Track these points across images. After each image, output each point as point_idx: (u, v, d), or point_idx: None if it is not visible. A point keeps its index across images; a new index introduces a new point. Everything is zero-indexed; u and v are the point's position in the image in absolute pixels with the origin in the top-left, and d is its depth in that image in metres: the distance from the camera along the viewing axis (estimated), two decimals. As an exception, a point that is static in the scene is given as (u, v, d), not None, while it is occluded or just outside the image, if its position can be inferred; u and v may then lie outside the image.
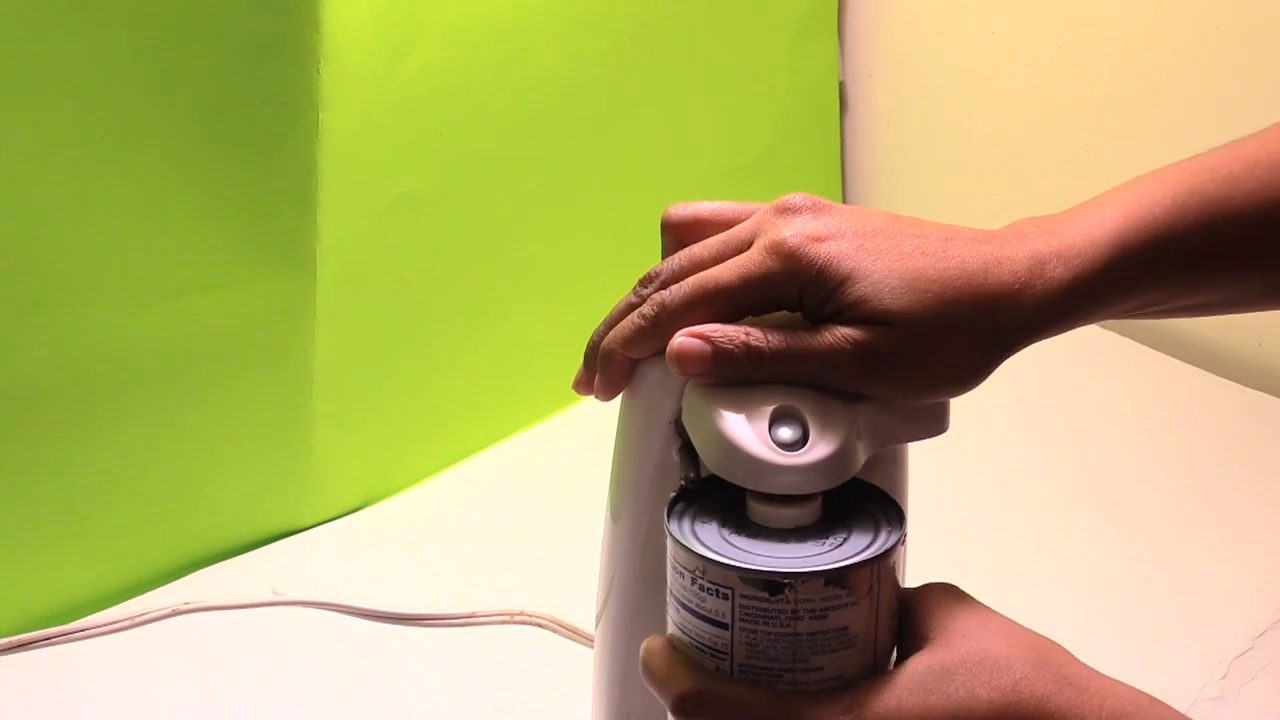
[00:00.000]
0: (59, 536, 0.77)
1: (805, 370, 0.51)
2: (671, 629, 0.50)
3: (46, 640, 0.72)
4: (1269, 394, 0.98)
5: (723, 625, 0.48)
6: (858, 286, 0.50)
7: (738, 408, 0.51)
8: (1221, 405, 0.98)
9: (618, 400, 0.57)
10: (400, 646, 0.74)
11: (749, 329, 0.51)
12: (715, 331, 0.51)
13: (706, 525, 0.50)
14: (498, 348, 0.92)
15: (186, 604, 0.66)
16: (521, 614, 0.69)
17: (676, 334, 0.51)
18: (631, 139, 0.97)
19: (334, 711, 0.72)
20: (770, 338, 0.51)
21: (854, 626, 0.48)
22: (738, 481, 0.51)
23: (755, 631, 0.48)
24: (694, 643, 0.49)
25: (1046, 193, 1.09)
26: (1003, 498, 0.89)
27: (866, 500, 0.51)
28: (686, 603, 0.49)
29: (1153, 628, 0.78)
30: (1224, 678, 0.74)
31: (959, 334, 0.51)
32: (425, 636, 0.70)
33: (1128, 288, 0.53)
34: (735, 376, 0.51)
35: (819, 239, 0.51)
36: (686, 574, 0.49)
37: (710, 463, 0.52)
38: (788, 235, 0.51)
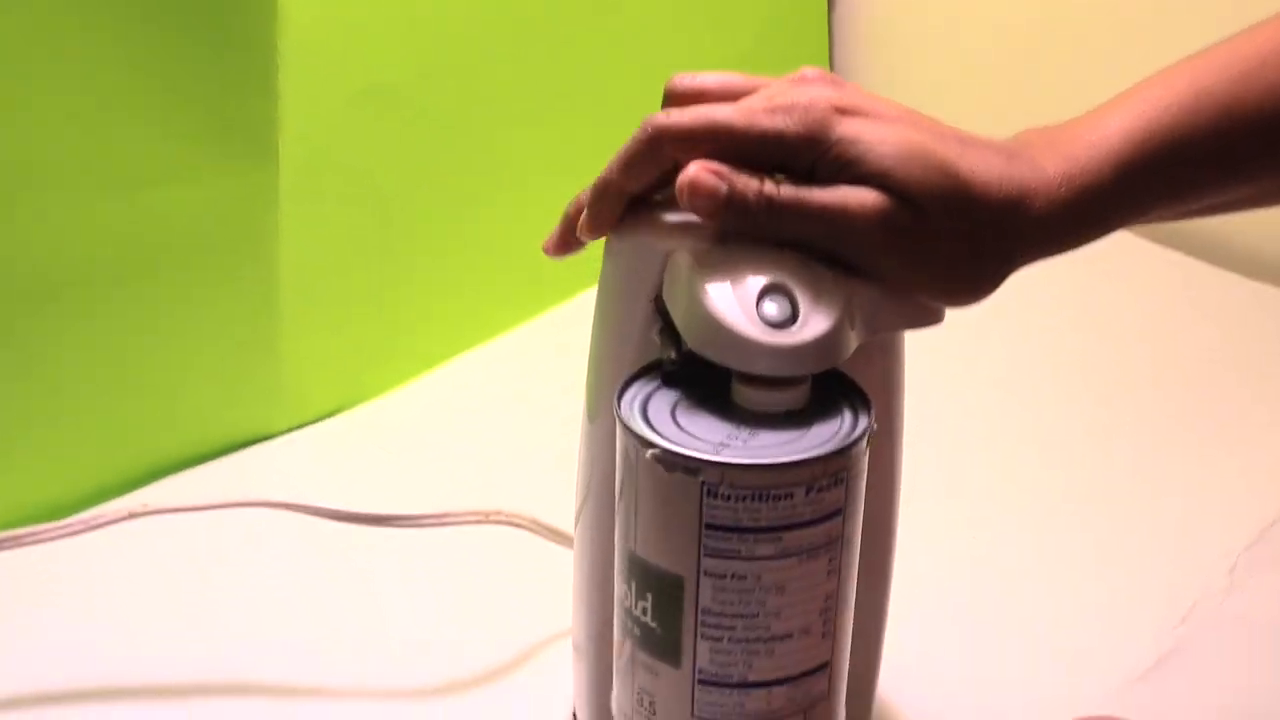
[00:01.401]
0: (14, 441, 0.74)
1: (819, 230, 0.48)
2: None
3: None
4: (1274, 285, 0.95)
5: (837, 514, 0.47)
6: (881, 159, 0.48)
7: (724, 281, 0.48)
8: (1225, 298, 0.95)
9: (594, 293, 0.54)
10: (372, 548, 0.72)
11: (765, 176, 0.48)
12: (732, 172, 0.48)
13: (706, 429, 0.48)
14: (474, 247, 0.89)
15: (144, 506, 0.64)
16: (498, 513, 0.66)
17: (691, 163, 0.48)
18: (612, 30, 0.93)
19: (303, 613, 0.69)
20: (785, 189, 0.48)
21: None
22: (722, 361, 0.48)
23: (859, 492, 0.48)
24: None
25: (1043, 89, 1.06)
26: (1000, 393, 0.86)
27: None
28: (796, 520, 0.46)
29: (1159, 523, 0.76)
30: (1232, 570, 0.72)
31: (972, 233, 0.49)
32: (399, 538, 0.68)
33: (1135, 202, 0.52)
34: (741, 226, 0.49)
35: (841, 109, 0.49)
36: (799, 489, 0.46)
37: (692, 340, 0.49)
38: (809, 99, 0.49)
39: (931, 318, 0.52)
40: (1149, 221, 0.54)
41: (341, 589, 0.71)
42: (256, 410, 0.81)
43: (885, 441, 0.54)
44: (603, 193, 0.51)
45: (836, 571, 0.48)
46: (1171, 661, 0.66)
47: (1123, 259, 0.97)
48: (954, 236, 0.49)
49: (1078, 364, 0.89)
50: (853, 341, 0.49)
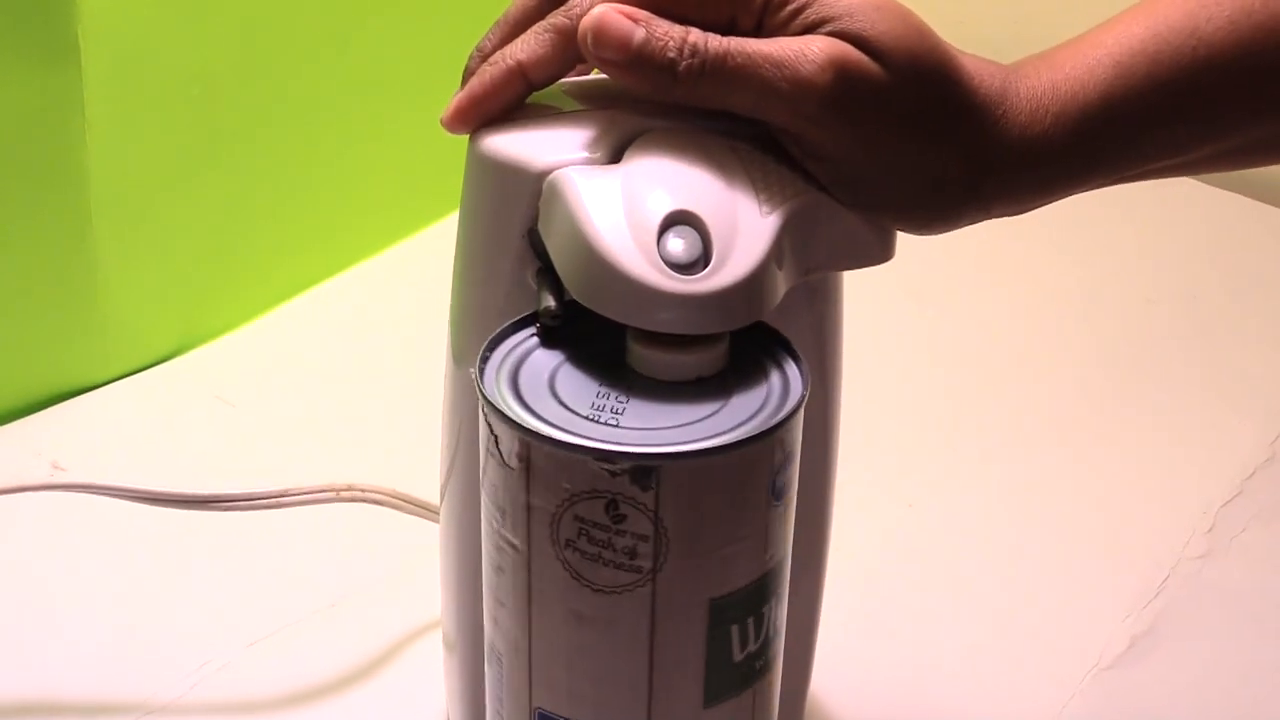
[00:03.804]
0: None
1: (755, 93, 0.40)
2: None
3: None
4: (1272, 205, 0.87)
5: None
6: (849, 2, 0.41)
7: (615, 209, 0.39)
8: (1219, 222, 0.86)
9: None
10: (203, 535, 0.62)
11: (690, 27, 0.40)
12: (651, 16, 0.40)
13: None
14: (326, 161, 0.79)
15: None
16: (350, 489, 0.56)
17: (598, 6, 0.40)
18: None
19: (123, 617, 0.60)
20: (714, 39, 0.40)
21: None
22: (613, 314, 0.39)
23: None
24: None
25: None
26: (950, 348, 0.77)
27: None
28: None
29: (1129, 485, 0.68)
30: (1210, 530, 0.65)
31: (940, 113, 0.42)
32: (234, 522, 0.58)
33: (1127, 125, 0.43)
34: (657, 89, 0.40)
35: None
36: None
37: (574, 287, 0.40)
38: None
39: (878, 254, 0.43)
40: (1150, 167, 0.45)
41: (166, 586, 0.61)
42: (72, 357, 0.72)
43: (819, 407, 0.46)
44: (496, 67, 0.43)
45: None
46: (1145, 644, 0.59)
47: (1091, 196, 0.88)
48: (918, 107, 0.41)
49: (1036, 316, 0.80)
50: (781, 286, 0.41)
